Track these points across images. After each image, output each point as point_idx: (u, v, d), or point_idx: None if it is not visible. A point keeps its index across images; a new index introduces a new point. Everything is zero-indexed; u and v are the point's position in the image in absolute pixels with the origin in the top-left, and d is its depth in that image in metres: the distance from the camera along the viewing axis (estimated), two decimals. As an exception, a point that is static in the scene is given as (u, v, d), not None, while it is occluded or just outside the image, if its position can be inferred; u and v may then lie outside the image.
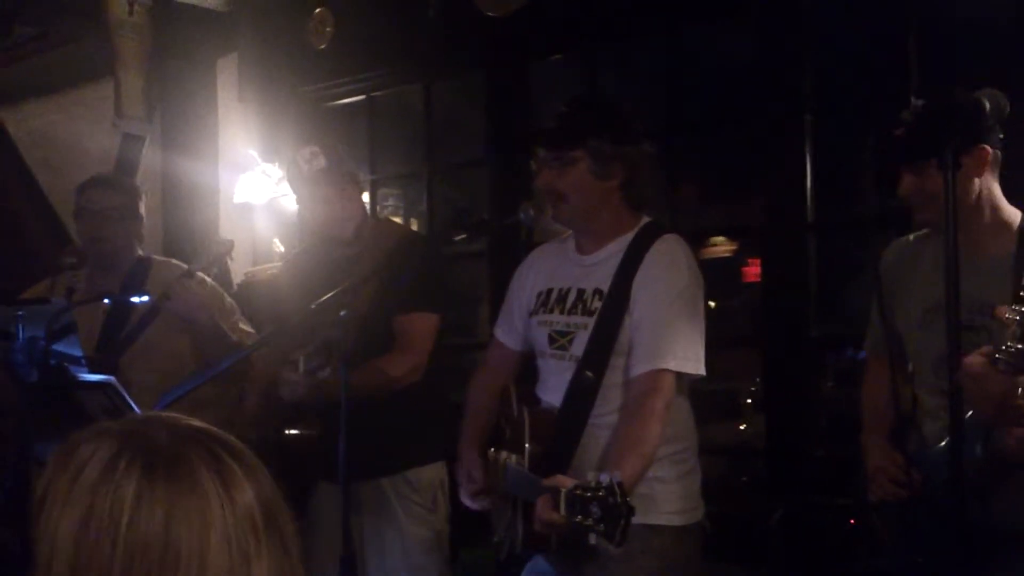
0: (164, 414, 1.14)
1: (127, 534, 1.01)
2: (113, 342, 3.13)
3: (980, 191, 2.26)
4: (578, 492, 2.05)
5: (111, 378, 2.67)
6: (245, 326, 3.30)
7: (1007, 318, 1.85)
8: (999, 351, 1.86)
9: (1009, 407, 1.91)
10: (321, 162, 3.04)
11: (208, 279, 3.23)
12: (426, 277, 2.98)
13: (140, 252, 3.34)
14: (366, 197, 4.26)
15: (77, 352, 2.80)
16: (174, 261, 3.46)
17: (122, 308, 3.17)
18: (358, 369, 2.77)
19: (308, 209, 3.13)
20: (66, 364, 2.73)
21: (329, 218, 3.08)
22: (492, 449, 2.62)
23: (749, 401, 5.54)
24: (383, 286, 2.91)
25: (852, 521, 3.04)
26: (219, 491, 1.04)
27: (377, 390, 2.89)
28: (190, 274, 3.10)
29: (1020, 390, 1.89)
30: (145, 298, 3.06)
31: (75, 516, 1.02)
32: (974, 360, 1.90)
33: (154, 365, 3.10)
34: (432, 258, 3.07)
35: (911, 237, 2.49)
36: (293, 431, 2.93)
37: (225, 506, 1.04)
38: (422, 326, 3.00)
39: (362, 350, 2.87)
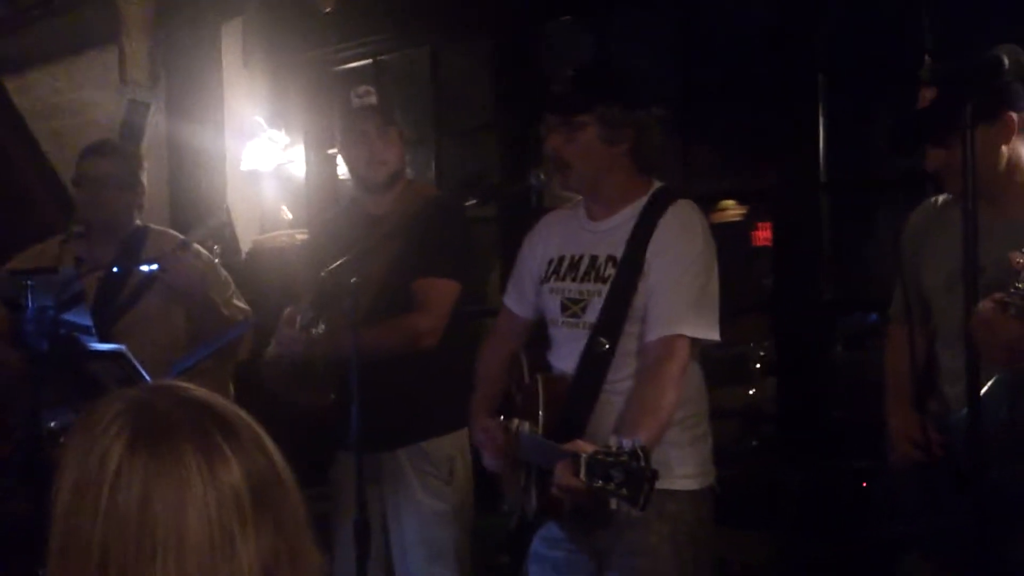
0: (174, 383, 1.13)
1: (107, 507, 1.00)
2: (106, 311, 3.11)
3: (1009, 157, 2.24)
4: (599, 457, 2.05)
5: (122, 347, 2.67)
6: (239, 301, 3.27)
7: (1019, 262, 1.84)
8: (1008, 296, 1.85)
9: (1020, 352, 1.90)
10: (372, 99, 3.03)
11: (203, 251, 3.20)
12: (449, 243, 2.95)
13: (138, 221, 3.31)
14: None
15: (87, 322, 2.79)
16: (171, 231, 3.43)
17: (116, 277, 3.15)
18: (373, 326, 2.76)
19: (345, 146, 3.10)
20: (76, 334, 2.73)
21: (364, 156, 3.04)
22: (503, 417, 2.61)
23: (758, 366, 5.54)
24: (404, 248, 2.89)
25: (864, 484, 3.04)
26: (201, 469, 1.02)
27: (394, 348, 2.85)
28: (185, 245, 3.08)
29: None
30: (155, 267, 3.04)
31: (70, 482, 1.03)
32: (984, 306, 1.89)
33: (149, 336, 3.08)
34: (457, 224, 3.02)
35: (939, 199, 2.46)
36: (310, 398, 2.92)
37: (207, 484, 1.02)
38: (442, 291, 2.96)
39: (380, 313, 2.85)
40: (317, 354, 2.80)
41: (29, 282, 2.64)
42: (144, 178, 3.30)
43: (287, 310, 2.99)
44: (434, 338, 2.93)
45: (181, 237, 3.23)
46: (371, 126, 3.02)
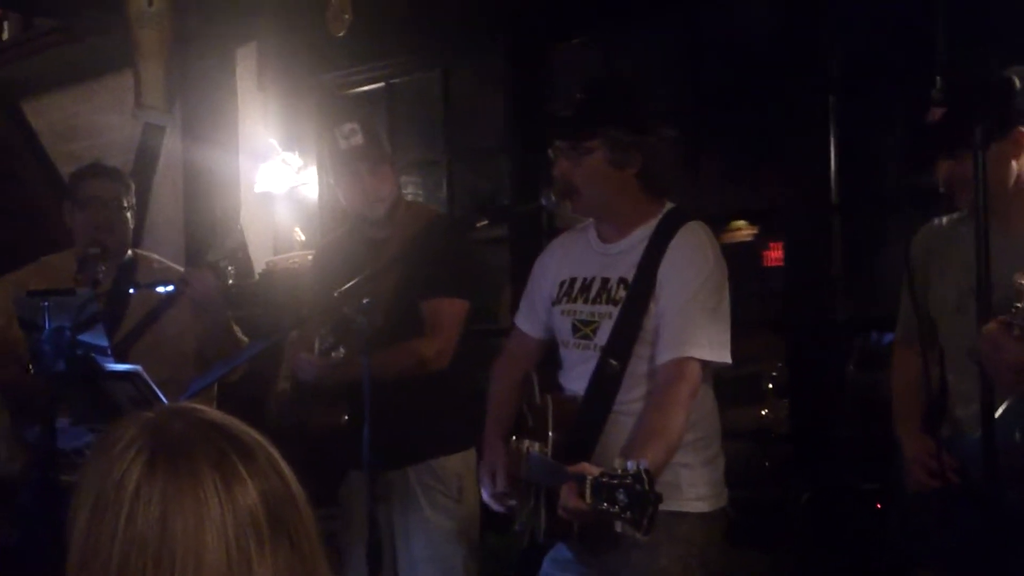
0: (189, 405, 1.14)
1: (125, 526, 1.01)
2: (111, 333, 3.12)
3: (1019, 174, 2.24)
4: (604, 479, 2.04)
5: (138, 368, 2.68)
6: (236, 328, 3.30)
7: (1021, 283, 1.84)
8: (1012, 316, 1.85)
9: None
10: (358, 139, 3.02)
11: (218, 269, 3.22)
12: (455, 262, 2.96)
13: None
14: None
15: (103, 342, 2.81)
16: (155, 256, 3.45)
17: (121, 299, 3.17)
18: (384, 350, 2.77)
19: (340, 186, 3.11)
20: (92, 355, 2.74)
21: (360, 196, 3.05)
22: (514, 438, 2.61)
23: (771, 386, 5.52)
24: (410, 269, 2.90)
25: (879, 505, 3.03)
26: (219, 489, 1.03)
27: (402, 372, 2.87)
28: (206, 263, 3.10)
29: None
30: (171, 288, 3.06)
31: (87, 504, 1.04)
32: (990, 328, 1.89)
33: (163, 358, 3.09)
34: (461, 243, 3.04)
35: (944, 220, 2.46)
36: (322, 418, 2.93)
37: (224, 505, 1.03)
38: (450, 311, 2.97)
39: (388, 334, 2.87)
40: (336, 378, 2.81)
41: (45, 303, 2.66)
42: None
43: (293, 334, 3.01)
44: (445, 359, 2.94)
45: (164, 261, 3.28)
46: (363, 168, 3.02)
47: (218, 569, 1.01)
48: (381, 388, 2.50)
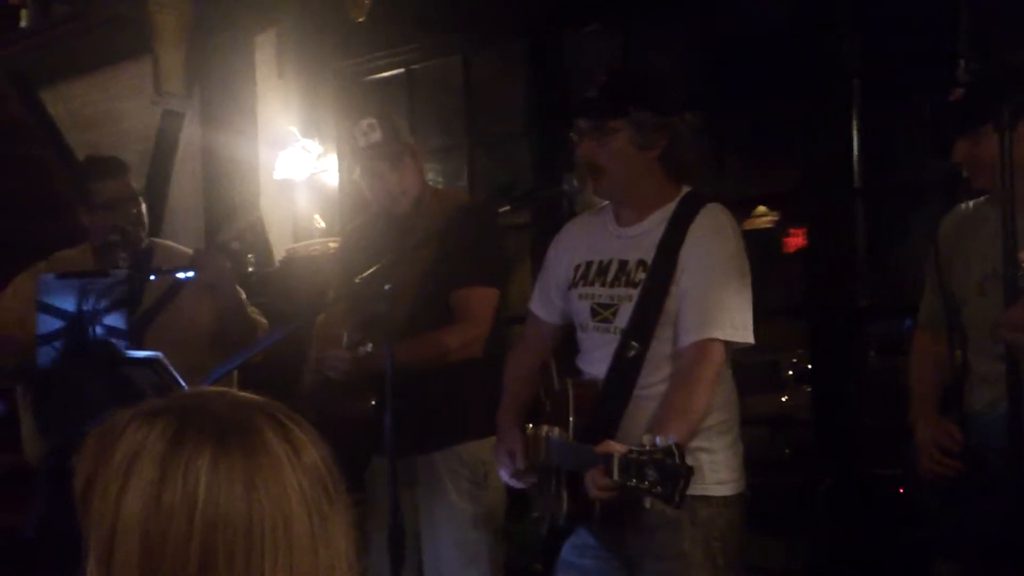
0: (214, 389, 1.13)
1: (204, 507, 0.99)
2: (134, 318, 3.14)
3: None
4: (632, 456, 2.04)
5: (159, 354, 2.69)
6: (253, 309, 3.31)
7: None
8: None
9: None
10: (377, 135, 3.00)
11: (229, 249, 3.24)
12: (485, 250, 2.96)
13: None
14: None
15: (122, 326, 2.82)
16: (177, 245, 3.47)
17: (139, 285, 3.18)
18: (415, 340, 2.77)
19: (364, 183, 3.11)
20: (111, 339, 2.76)
21: (383, 192, 3.05)
22: (531, 425, 2.61)
23: (791, 373, 5.51)
24: (440, 258, 2.90)
25: (901, 491, 3.02)
26: (290, 456, 1.03)
27: (432, 361, 2.87)
28: (216, 244, 3.12)
29: None
30: (191, 274, 3.07)
31: (143, 491, 1.00)
32: (1016, 309, 1.87)
33: (176, 339, 3.10)
34: (491, 230, 3.03)
35: (971, 204, 2.44)
36: (349, 405, 2.93)
37: (297, 470, 1.03)
38: (482, 300, 2.96)
39: (417, 322, 2.87)
40: (364, 372, 2.81)
41: (80, 282, 2.68)
42: None
43: (320, 318, 3.01)
44: (476, 348, 2.94)
45: (187, 251, 3.29)
46: (384, 165, 3.01)
47: (304, 534, 1.01)
48: (409, 373, 2.50)
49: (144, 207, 3.27)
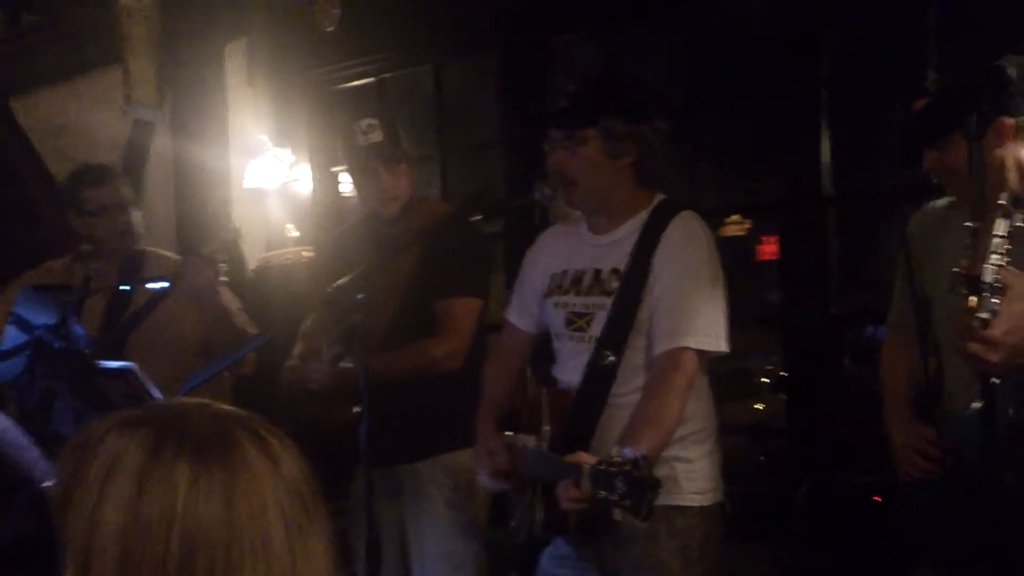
0: (191, 400, 1.11)
1: (183, 520, 0.98)
2: (116, 327, 3.11)
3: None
4: (602, 468, 2.04)
5: (131, 365, 2.66)
6: (244, 317, 3.28)
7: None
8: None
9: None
10: (377, 135, 2.99)
11: (213, 261, 3.20)
12: (469, 260, 2.95)
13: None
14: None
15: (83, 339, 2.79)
16: (169, 254, 3.44)
17: (123, 295, 3.16)
18: (400, 351, 2.75)
19: (355, 182, 3.09)
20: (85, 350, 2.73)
21: (375, 194, 3.03)
22: (509, 433, 2.60)
23: (766, 381, 5.52)
24: (422, 264, 2.88)
25: (877, 499, 3.03)
26: (269, 469, 1.02)
27: (418, 372, 2.87)
28: (199, 256, 3.09)
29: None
30: (165, 284, 3.04)
31: (120, 504, 0.98)
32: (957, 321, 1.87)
33: (160, 348, 3.08)
34: (475, 241, 3.02)
35: (942, 203, 2.45)
36: (330, 415, 2.91)
37: (276, 483, 1.02)
38: (464, 310, 2.95)
39: (398, 331, 2.85)
40: (344, 384, 2.80)
41: (48, 297, 2.66)
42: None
43: (304, 323, 2.99)
44: (458, 360, 2.92)
45: (177, 259, 3.26)
46: (380, 165, 2.99)
47: (282, 548, 1.01)
48: (392, 383, 2.49)
49: (136, 215, 3.24)
